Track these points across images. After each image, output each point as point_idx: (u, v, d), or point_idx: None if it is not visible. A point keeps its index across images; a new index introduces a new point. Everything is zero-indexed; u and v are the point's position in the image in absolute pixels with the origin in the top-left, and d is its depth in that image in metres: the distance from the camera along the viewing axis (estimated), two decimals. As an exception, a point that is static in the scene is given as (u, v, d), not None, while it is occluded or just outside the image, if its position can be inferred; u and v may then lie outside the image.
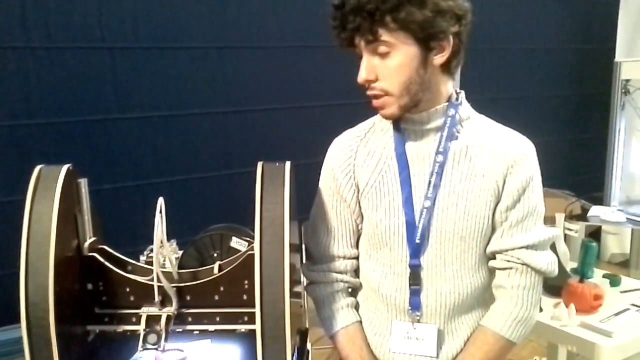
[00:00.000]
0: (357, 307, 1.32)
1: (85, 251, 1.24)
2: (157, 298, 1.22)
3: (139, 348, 1.19)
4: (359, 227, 1.30)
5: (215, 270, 1.28)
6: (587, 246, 2.01)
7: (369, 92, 1.17)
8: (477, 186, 1.20)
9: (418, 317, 1.22)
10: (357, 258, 1.32)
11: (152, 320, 1.21)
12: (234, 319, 1.26)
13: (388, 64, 1.13)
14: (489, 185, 1.20)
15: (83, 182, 1.24)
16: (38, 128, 3.01)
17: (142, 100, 3.22)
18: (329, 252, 1.31)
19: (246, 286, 1.25)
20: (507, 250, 1.22)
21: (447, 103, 1.21)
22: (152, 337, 1.18)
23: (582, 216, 2.86)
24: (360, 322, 1.30)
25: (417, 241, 1.20)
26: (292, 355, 1.11)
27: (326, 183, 1.32)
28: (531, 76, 4.29)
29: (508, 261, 1.22)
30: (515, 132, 1.26)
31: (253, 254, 1.19)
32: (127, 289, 1.25)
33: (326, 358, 3.12)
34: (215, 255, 1.36)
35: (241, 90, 3.44)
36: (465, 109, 1.24)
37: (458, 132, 1.22)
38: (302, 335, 1.36)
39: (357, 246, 1.32)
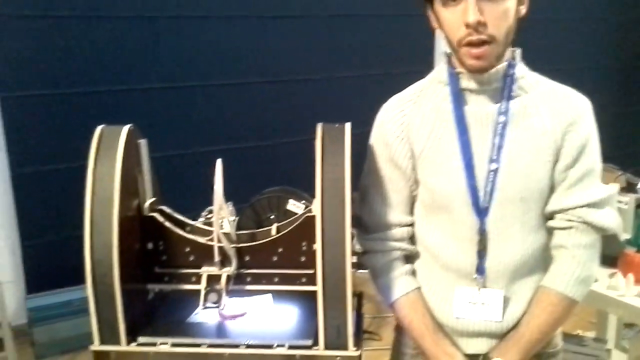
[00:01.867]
0: (415, 274, 1.30)
1: (145, 211, 1.26)
2: (217, 258, 1.23)
3: (200, 307, 1.20)
4: (414, 194, 1.27)
5: (274, 232, 1.28)
6: (643, 216, 1.95)
7: (473, 38, 1.10)
8: (537, 146, 1.17)
9: (483, 282, 1.20)
10: (412, 225, 1.29)
11: (212, 280, 1.23)
12: (292, 280, 1.26)
13: (499, 8, 1.09)
14: (548, 144, 1.17)
15: (143, 143, 1.25)
16: (98, 95, 3.09)
17: (200, 69, 3.26)
18: (384, 221, 1.27)
19: (304, 248, 1.25)
20: (567, 210, 1.19)
21: (506, 62, 1.18)
22: (213, 296, 1.20)
23: (630, 189, 2.78)
24: (420, 288, 1.28)
25: (482, 205, 1.17)
26: (352, 317, 1.11)
27: (378, 150, 1.27)
28: (574, 47, 4.17)
29: (568, 220, 1.19)
30: (572, 90, 1.22)
31: (311, 216, 1.19)
32: (187, 249, 1.27)
33: (367, 326, 3.14)
34: (272, 217, 1.36)
35: (297, 60, 3.46)
36: (522, 67, 1.21)
37: (516, 92, 1.19)
38: (358, 298, 1.36)
39: (412, 213, 1.29)
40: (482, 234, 1.19)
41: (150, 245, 1.27)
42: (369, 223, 1.30)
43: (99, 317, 1.13)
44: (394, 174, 1.26)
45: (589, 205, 1.18)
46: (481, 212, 1.18)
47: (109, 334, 1.14)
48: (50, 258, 3.07)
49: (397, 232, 1.27)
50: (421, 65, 1.29)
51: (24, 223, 3.17)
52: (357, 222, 1.31)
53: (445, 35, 1.16)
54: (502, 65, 1.17)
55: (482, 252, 1.19)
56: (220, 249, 1.22)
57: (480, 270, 1.20)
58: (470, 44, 1.11)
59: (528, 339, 1.20)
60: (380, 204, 1.27)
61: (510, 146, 1.17)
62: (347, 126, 1.14)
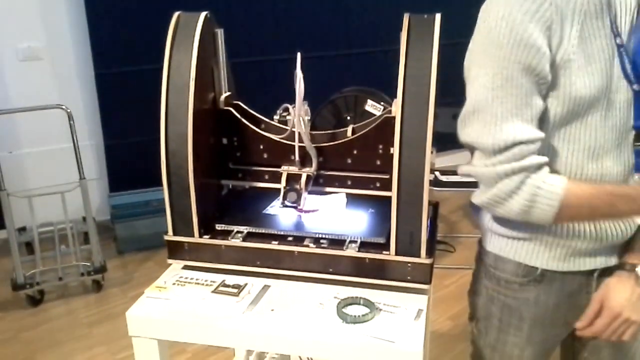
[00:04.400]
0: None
1: (221, 105, 1.23)
2: (297, 157, 1.20)
3: (278, 204, 1.20)
4: (547, 106, 1.04)
5: (349, 133, 1.23)
6: None
7: None
8: None
9: None
10: (542, 140, 1.04)
11: (290, 179, 1.21)
12: (366, 183, 1.22)
13: None
14: None
15: (220, 33, 1.21)
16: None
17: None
18: (513, 139, 1.00)
19: (381, 151, 1.20)
20: None
21: None
22: (292, 195, 1.19)
23: None
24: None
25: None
26: (426, 225, 1.06)
27: (511, 56, 0.96)
28: None
29: None
30: None
31: (390, 118, 1.13)
32: (261, 146, 1.24)
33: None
34: (348, 118, 1.31)
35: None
36: None
37: None
38: (434, 207, 1.30)
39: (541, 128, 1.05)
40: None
41: (225, 141, 1.26)
42: (488, 146, 1.02)
43: (173, 208, 1.14)
44: (530, 83, 0.98)
45: None
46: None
47: (182, 225, 1.15)
48: (133, 159, 3.17)
49: (529, 148, 1.02)
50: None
51: (108, 123, 3.28)
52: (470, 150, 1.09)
53: None
54: None
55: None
56: (299, 148, 1.19)
57: None
58: None
59: None
60: (508, 121, 1.00)
61: None
62: (437, 17, 1.05)
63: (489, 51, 0.97)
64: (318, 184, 1.24)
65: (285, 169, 1.22)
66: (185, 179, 1.11)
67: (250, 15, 3.28)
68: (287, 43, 3.26)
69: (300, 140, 1.19)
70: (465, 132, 1.03)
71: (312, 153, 1.20)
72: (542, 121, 1.04)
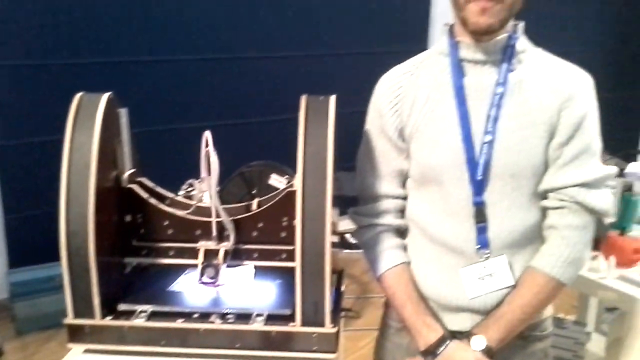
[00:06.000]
0: (405, 249, 1.28)
1: (124, 183, 1.23)
2: (214, 232, 1.22)
3: (198, 282, 1.20)
4: (407, 168, 1.25)
5: (254, 207, 1.26)
6: (628, 200, 1.95)
7: None
8: (532, 121, 1.15)
9: (487, 255, 1.18)
10: (404, 199, 1.28)
11: (188, 253, 1.21)
12: (273, 255, 1.25)
13: None
14: (544, 119, 1.15)
15: (123, 112, 1.22)
16: (81, 67, 3.03)
17: (185, 43, 3.20)
18: (373, 192, 1.26)
19: (285, 223, 1.24)
20: (559, 189, 1.16)
21: (508, 34, 1.17)
22: (210, 271, 1.21)
23: (618, 173, 2.78)
24: (409, 264, 1.26)
25: (479, 177, 1.15)
26: (331, 294, 1.09)
27: (373, 122, 1.26)
28: (571, 30, 4.15)
29: (561, 200, 1.17)
30: (574, 66, 1.20)
31: (293, 191, 1.17)
32: (166, 222, 1.25)
33: (350, 306, 3.15)
34: (253, 192, 1.34)
35: (284, 36, 3.40)
36: (523, 41, 1.19)
37: (515, 65, 1.17)
38: (338, 275, 1.34)
39: (403, 186, 1.28)
40: (480, 207, 1.17)
41: (128, 218, 1.25)
42: (361, 196, 1.30)
43: (74, 289, 1.11)
44: (385, 145, 1.25)
45: (582, 185, 1.15)
46: (478, 184, 1.16)
47: (83, 307, 1.12)
48: (33, 232, 3.04)
49: (386, 203, 1.26)
50: (415, 45, 1.26)
51: (6, 196, 3.13)
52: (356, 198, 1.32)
53: None
54: (503, 36, 1.16)
55: (481, 225, 1.17)
56: (204, 222, 1.20)
57: (482, 243, 1.18)
58: None
59: (510, 318, 1.18)
60: (370, 175, 1.27)
61: (506, 119, 1.15)
62: (332, 99, 1.12)
63: (367, 119, 1.27)
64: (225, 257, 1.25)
65: (202, 245, 1.23)
66: (86, 260, 1.09)
67: (158, 84, 3.28)
68: (196, 111, 3.29)
69: (216, 215, 1.21)
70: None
71: (230, 227, 1.22)
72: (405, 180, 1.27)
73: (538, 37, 1.24)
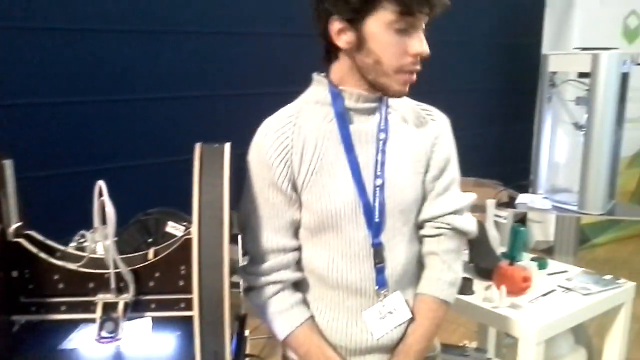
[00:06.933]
0: (305, 302, 1.27)
1: (9, 237, 1.17)
2: (113, 285, 1.19)
3: (96, 337, 1.15)
4: (299, 218, 1.24)
5: (151, 256, 1.24)
6: (517, 231, 2.09)
7: (417, 67, 1.17)
8: (411, 159, 1.25)
9: (386, 293, 1.23)
10: (298, 250, 1.26)
11: (81, 307, 1.17)
12: (171, 305, 1.23)
13: (424, 41, 1.16)
14: (420, 157, 1.26)
15: (8, 164, 1.17)
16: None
17: (76, 85, 3.08)
18: (269, 248, 1.22)
19: (183, 272, 1.22)
20: (436, 217, 1.28)
21: None
22: (109, 325, 1.17)
23: (510, 204, 2.95)
24: (313, 317, 1.26)
25: (377, 220, 1.21)
26: (231, 342, 1.09)
27: (261, 175, 1.21)
28: (460, 69, 4.42)
29: (438, 227, 1.28)
30: (432, 107, 1.33)
31: (190, 239, 1.16)
32: (56, 276, 1.20)
33: (261, 348, 3.10)
34: (150, 240, 1.31)
35: (178, 77, 3.36)
36: None
37: (390, 110, 1.26)
38: (240, 321, 1.34)
39: (296, 237, 1.26)
40: (378, 248, 1.22)
41: (15, 274, 1.19)
42: (252, 253, 1.25)
43: (-47, 353, 1.04)
44: (277, 198, 1.21)
45: (454, 212, 1.28)
46: (374, 226, 1.21)
47: (-36, 372, 1.05)
48: None
49: (282, 258, 1.23)
50: (302, 86, 1.29)
51: None
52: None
53: (374, 58, 1.14)
54: None
55: (380, 266, 1.22)
56: (98, 274, 1.17)
57: (380, 283, 1.23)
58: (411, 72, 1.17)
59: (417, 349, 1.25)
60: (262, 230, 1.23)
61: (391, 161, 1.23)
62: (227, 146, 1.12)
63: (249, 172, 1.22)
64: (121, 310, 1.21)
65: (100, 298, 1.19)
66: (-33, 322, 1.02)
67: (47, 126, 3.11)
68: (87, 153, 3.15)
69: (114, 266, 1.18)
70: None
71: (129, 278, 1.19)
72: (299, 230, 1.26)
73: (432, 81, 1.33)
